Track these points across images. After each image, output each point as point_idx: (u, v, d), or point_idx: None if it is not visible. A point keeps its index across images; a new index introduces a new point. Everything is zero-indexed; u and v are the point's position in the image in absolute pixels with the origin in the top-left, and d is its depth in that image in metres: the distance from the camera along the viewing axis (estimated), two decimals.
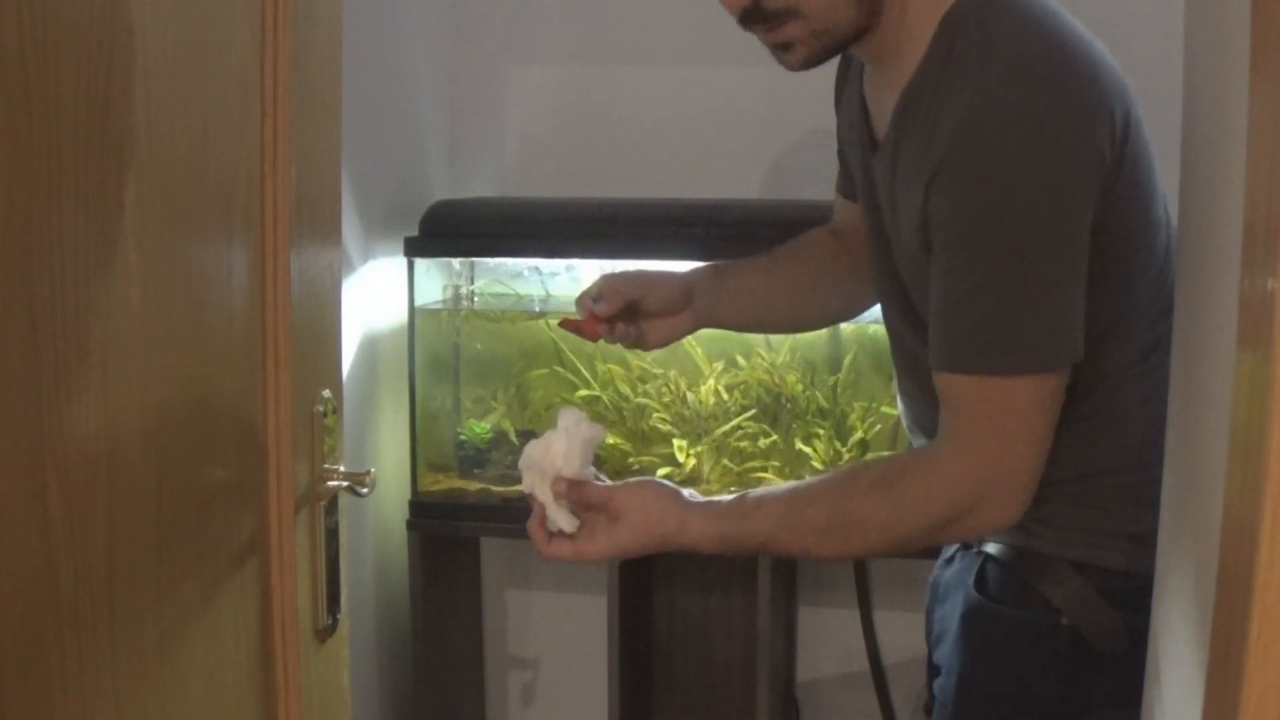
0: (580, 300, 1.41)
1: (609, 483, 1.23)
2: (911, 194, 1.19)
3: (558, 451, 1.21)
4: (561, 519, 1.20)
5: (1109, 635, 1.22)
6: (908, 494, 1.18)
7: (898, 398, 1.41)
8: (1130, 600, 1.20)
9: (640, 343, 1.46)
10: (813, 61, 1.23)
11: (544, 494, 1.21)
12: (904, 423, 1.41)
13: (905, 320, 1.31)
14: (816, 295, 1.54)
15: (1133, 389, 1.23)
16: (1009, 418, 1.15)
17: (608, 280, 1.42)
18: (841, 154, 1.47)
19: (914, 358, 1.29)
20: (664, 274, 1.45)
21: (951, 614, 1.34)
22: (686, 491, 1.24)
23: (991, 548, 1.30)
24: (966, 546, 1.37)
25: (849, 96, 1.36)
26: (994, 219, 1.12)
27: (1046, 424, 1.15)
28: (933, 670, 1.40)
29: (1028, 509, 1.21)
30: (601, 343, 1.45)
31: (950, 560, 1.42)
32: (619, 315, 1.41)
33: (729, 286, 1.49)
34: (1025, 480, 1.16)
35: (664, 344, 1.48)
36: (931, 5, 1.18)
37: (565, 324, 1.41)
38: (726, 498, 1.23)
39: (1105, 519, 1.24)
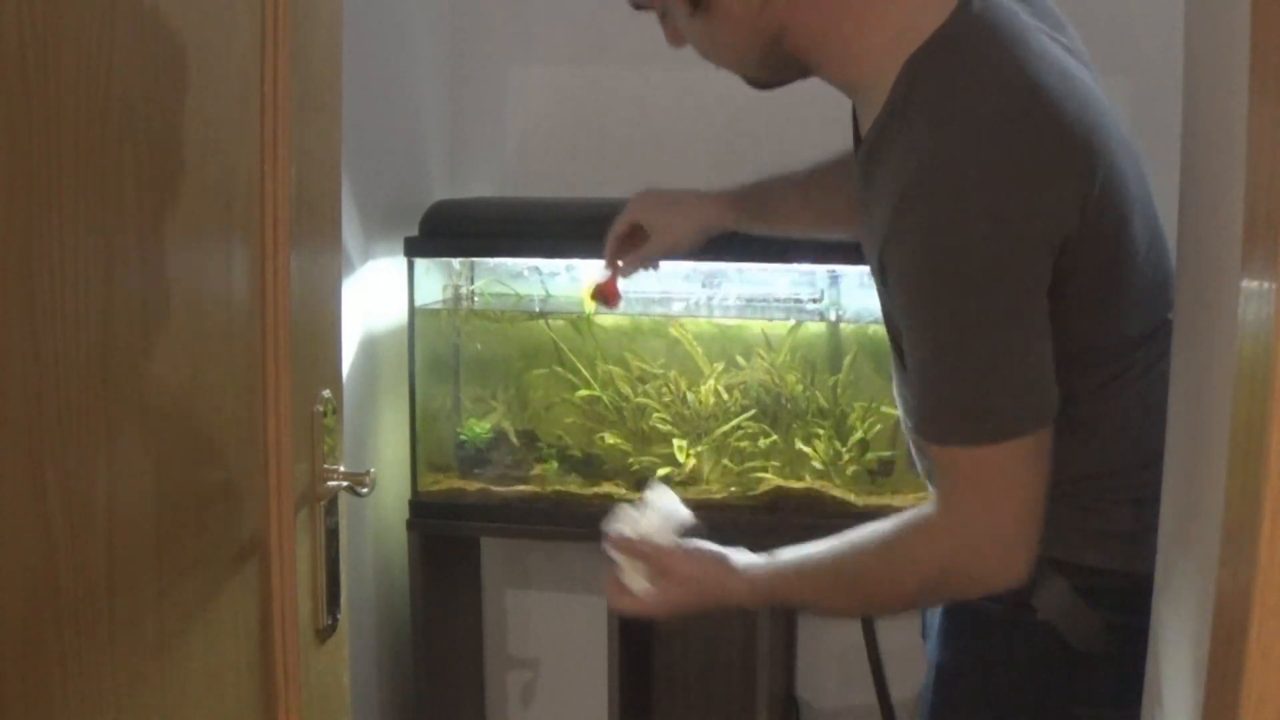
0: (609, 245, 1.56)
1: (669, 545, 1.32)
2: (870, 236, 1.19)
3: (647, 526, 1.32)
4: (636, 582, 1.31)
5: (1087, 634, 1.22)
6: (902, 555, 1.20)
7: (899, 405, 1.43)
8: (1113, 599, 1.20)
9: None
10: (767, 88, 1.32)
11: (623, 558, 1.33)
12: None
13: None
14: (853, 216, 1.56)
15: (1110, 404, 1.23)
16: (992, 482, 1.15)
17: (635, 211, 1.55)
18: None
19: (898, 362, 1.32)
20: (689, 210, 1.53)
21: (938, 610, 1.35)
22: (734, 552, 1.29)
23: None
24: None
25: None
26: (943, 289, 1.11)
27: (1034, 480, 1.15)
28: None
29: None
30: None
31: None
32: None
33: (765, 214, 1.55)
34: (1020, 536, 1.16)
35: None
36: (895, 44, 1.15)
37: (596, 296, 1.55)
38: (763, 560, 1.28)
39: (1086, 519, 1.24)
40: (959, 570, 1.18)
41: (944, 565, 1.18)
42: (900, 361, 1.30)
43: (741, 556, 1.29)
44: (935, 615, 1.37)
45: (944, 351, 1.13)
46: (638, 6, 1.26)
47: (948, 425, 1.15)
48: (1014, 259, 1.10)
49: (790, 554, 1.27)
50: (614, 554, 1.32)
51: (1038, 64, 1.13)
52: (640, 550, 1.31)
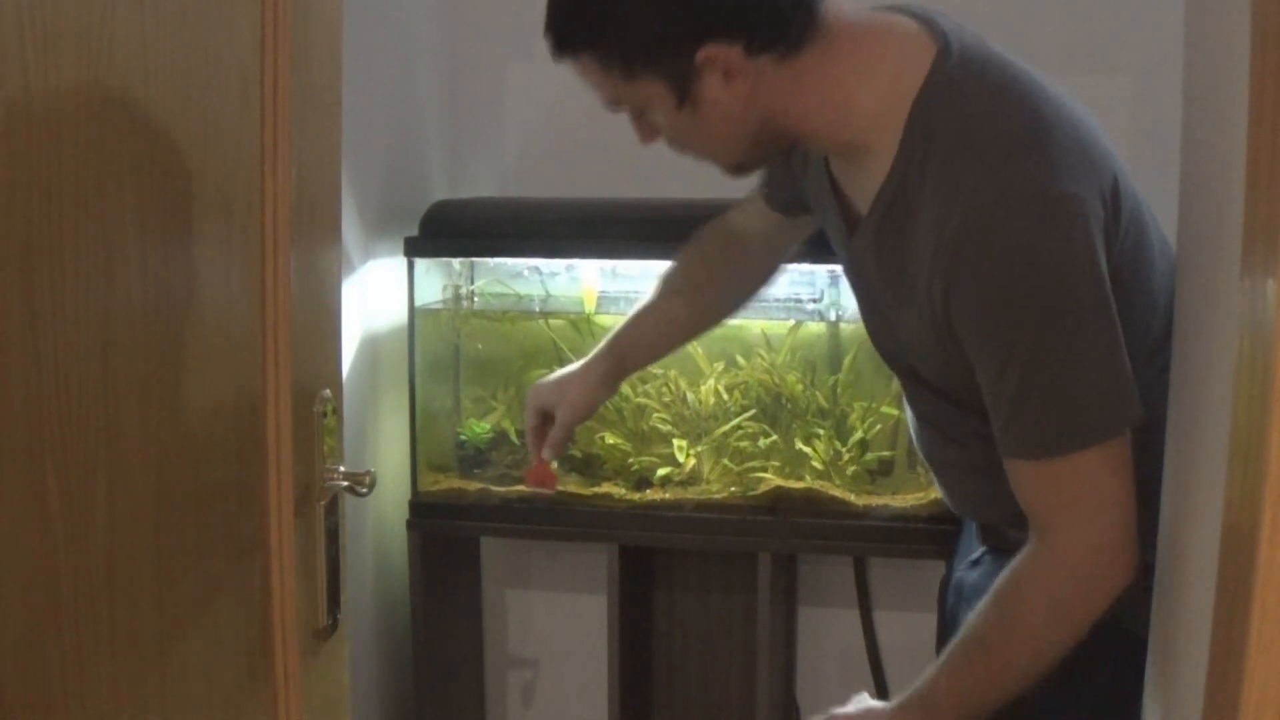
0: (530, 439, 1.61)
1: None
2: (910, 288, 1.20)
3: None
4: None
5: None
6: (1015, 602, 1.20)
7: (907, 410, 1.43)
8: None
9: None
10: (745, 173, 1.33)
11: None
12: (915, 443, 1.44)
13: (899, 354, 1.35)
14: (717, 307, 1.65)
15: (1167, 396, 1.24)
16: (1081, 493, 1.15)
17: (531, 402, 1.60)
18: (779, 175, 1.48)
19: (912, 372, 1.34)
20: (574, 385, 1.59)
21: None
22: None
23: None
24: (997, 550, 1.36)
25: (814, 166, 1.36)
26: (1016, 310, 1.13)
27: (1121, 485, 1.15)
28: None
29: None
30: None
31: (977, 562, 1.41)
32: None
33: (636, 352, 1.60)
34: (1119, 541, 1.16)
35: None
36: (889, 98, 1.17)
37: (532, 482, 1.64)
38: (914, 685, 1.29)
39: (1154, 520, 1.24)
40: (1071, 594, 1.17)
41: (1052, 596, 1.18)
42: (920, 385, 1.31)
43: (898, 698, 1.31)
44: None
45: (1033, 369, 1.14)
46: (614, 107, 1.26)
47: (1044, 437, 1.15)
48: (1082, 261, 1.12)
49: (932, 670, 1.26)
50: None
51: (1029, 82, 1.17)
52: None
